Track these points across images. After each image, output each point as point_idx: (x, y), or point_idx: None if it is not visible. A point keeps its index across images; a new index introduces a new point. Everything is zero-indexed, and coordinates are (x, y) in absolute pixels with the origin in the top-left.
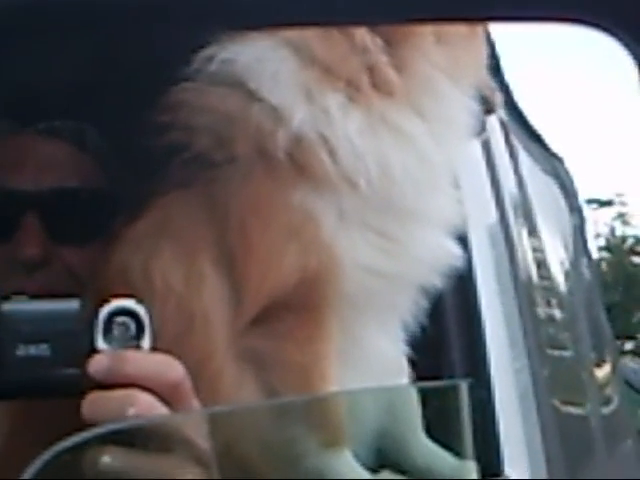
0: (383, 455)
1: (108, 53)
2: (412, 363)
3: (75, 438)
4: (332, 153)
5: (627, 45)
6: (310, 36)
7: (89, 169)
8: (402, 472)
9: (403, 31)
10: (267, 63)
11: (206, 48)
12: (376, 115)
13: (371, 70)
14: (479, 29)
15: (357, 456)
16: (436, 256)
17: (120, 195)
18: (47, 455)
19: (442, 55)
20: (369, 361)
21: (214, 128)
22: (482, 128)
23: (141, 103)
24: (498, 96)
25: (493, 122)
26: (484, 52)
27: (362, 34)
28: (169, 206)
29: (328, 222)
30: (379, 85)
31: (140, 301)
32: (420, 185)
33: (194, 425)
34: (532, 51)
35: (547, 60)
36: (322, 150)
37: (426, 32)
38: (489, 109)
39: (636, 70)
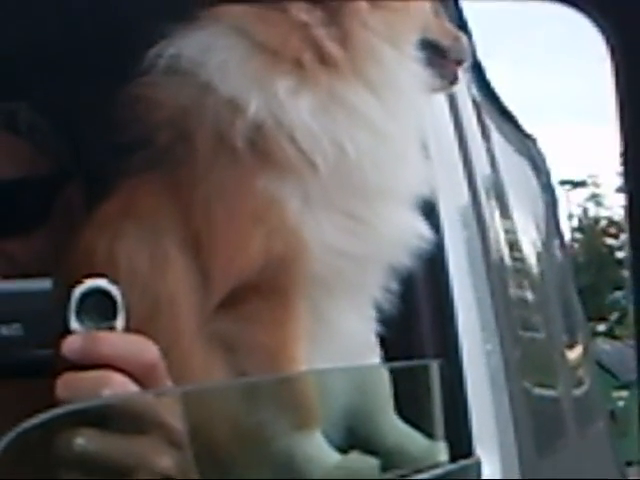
0: (353, 435)
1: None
2: (383, 343)
3: (43, 416)
4: (290, 137)
5: (599, 25)
6: (251, 19)
7: (26, 155)
8: (372, 452)
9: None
10: (214, 53)
11: (155, 45)
12: (324, 92)
13: (313, 45)
14: None
15: (327, 436)
16: (404, 235)
17: (64, 177)
18: (14, 432)
19: (378, 19)
20: (339, 341)
21: (173, 122)
22: (454, 79)
23: (103, 98)
24: (465, 42)
25: (465, 101)
26: (424, 5)
27: (298, 8)
28: (135, 188)
29: (293, 205)
30: (322, 59)
31: (113, 281)
32: (377, 160)
33: (168, 407)
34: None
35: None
36: (281, 135)
37: None
38: (458, 59)
39: (607, 49)
